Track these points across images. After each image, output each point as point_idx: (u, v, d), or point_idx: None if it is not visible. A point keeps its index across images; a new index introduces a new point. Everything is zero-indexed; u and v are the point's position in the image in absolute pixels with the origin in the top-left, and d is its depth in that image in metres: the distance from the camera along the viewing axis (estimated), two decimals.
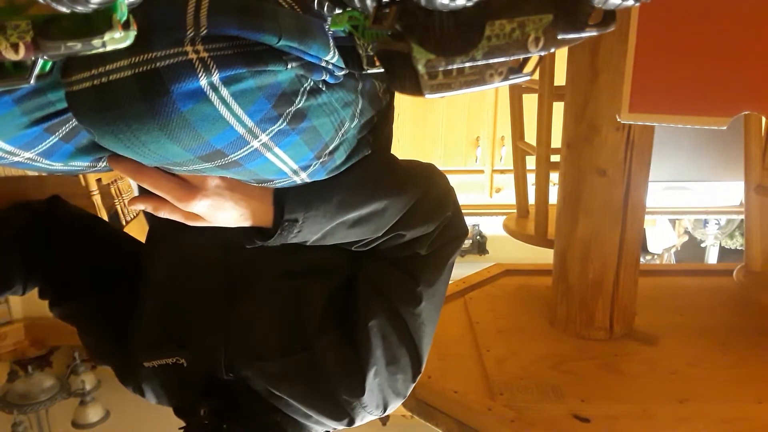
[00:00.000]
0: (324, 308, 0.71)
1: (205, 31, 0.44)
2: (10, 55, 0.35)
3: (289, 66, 0.48)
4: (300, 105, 0.51)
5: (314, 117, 0.53)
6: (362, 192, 0.63)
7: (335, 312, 0.71)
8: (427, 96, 0.39)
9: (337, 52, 0.51)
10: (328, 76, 0.52)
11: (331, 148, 0.57)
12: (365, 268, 0.72)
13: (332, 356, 0.69)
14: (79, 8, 0.32)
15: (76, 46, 0.35)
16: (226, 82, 0.46)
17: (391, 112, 0.70)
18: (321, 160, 0.57)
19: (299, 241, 0.63)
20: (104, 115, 0.46)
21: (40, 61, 0.38)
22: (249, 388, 0.72)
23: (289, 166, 0.55)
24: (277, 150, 0.52)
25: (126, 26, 0.35)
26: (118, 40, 0.35)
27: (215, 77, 0.45)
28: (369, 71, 0.53)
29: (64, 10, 0.32)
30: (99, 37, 0.35)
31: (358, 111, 0.58)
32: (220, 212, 0.60)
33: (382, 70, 0.52)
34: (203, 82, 0.45)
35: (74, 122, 0.53)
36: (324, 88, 0.53)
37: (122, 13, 0.35)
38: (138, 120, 0.46)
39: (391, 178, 0.66)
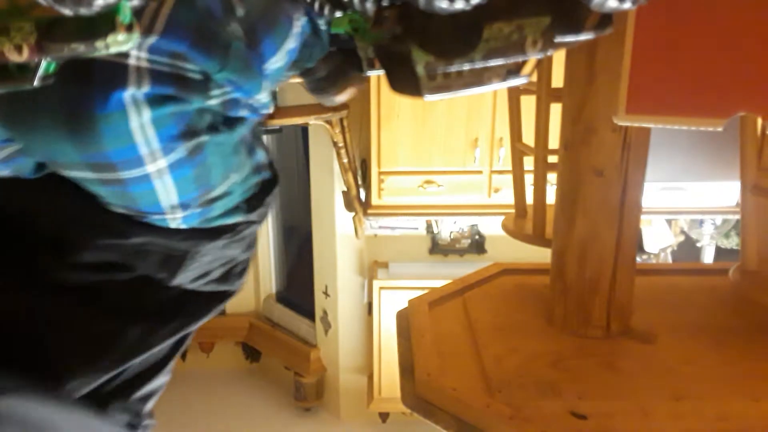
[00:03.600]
0: None
1: (155, 38, 0.44)
2: (14, 57, 0.35)
3: (211, 100, 0.48)
4: (201, 138, 0.51)
5: (210, 154, 0.53)
6: None
7: None
8: (427, 97, 0.39)
9: (268, 95, 0.52)
10: (247, 113, 0.52)
11: (213, 195, 0.57)
12: None
13: None
14: (83, 11, 0.32)
15: (80, 48, 0.35)
16: (150, 100, 0.45)
17: (274, 187, 0.69)
18: (200, 204, 0.57)
19: None
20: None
21: (44, 63, 0.38)
22: None
23: (170, 199, 0.55)
24: (167, 178, 0.52)
25: (129, 28, 0.36)
26: (121, 42, 0.36)
27: (141, 91, 0.44)
28: (369, 73, 0.54)
29: (68, 12, 0.32)
30: (102, 39, 0.35)
31: (247, 171, 0.59)
32: None
33: (382, 71, 0.53)
34: (128, 93, 0.44)
35: None
36: (227, 128, 0.53)
37: (125, 15, 0.35)
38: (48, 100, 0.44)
39: None
